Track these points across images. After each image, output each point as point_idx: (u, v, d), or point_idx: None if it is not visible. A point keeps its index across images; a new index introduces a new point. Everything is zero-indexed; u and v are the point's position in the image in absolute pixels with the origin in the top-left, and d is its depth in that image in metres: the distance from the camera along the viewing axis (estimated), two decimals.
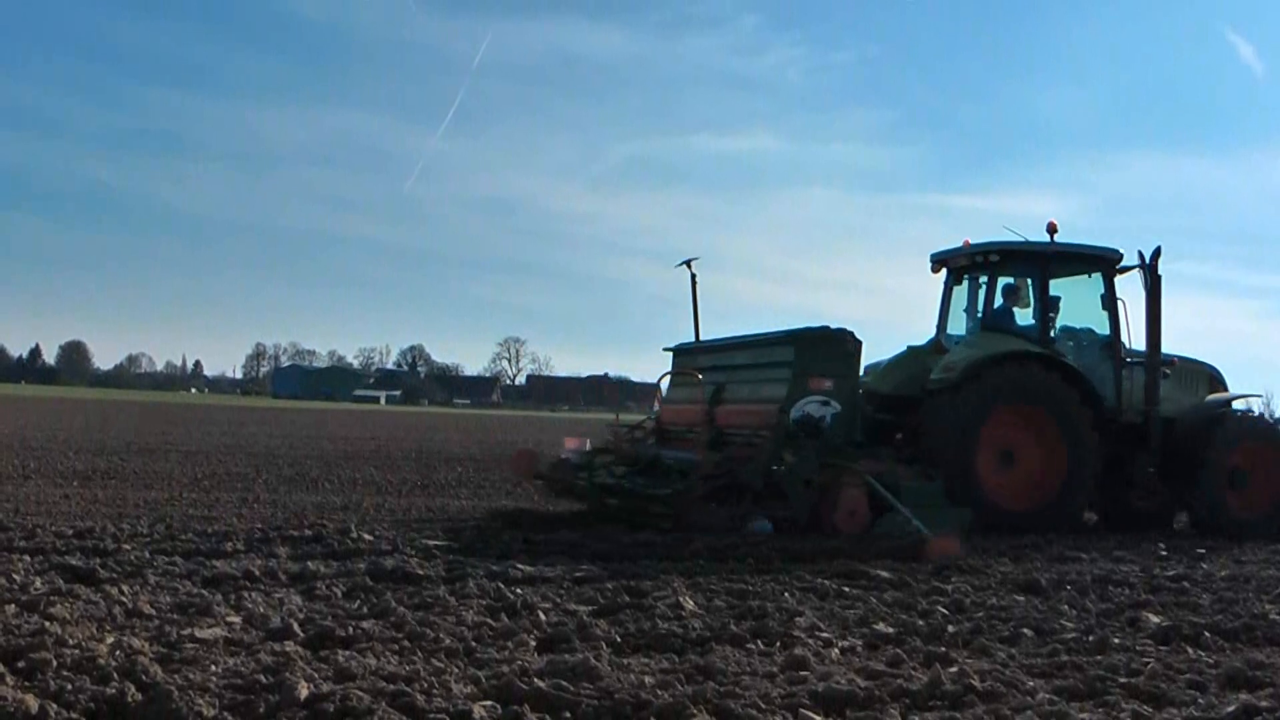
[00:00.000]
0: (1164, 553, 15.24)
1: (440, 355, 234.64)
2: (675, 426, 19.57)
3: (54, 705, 5.95)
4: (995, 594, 11.25)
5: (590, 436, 21.36)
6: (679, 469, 16.67)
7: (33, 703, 5.91)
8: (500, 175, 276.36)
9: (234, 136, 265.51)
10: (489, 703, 6.33)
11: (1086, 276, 19.36)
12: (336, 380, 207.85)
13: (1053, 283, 19.22)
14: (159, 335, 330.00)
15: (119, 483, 21.97)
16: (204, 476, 23.98)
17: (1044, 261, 19.09)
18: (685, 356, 20.57)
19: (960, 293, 20.35)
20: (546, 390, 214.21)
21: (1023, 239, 19.19)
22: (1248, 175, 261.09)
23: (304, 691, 6.25)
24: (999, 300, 19.65)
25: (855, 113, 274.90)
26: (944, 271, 20.34)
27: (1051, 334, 19.07)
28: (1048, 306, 19.07)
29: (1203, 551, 15.53)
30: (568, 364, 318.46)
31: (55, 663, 6.80)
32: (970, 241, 19.54)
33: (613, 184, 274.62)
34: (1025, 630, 9.19)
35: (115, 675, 6.54)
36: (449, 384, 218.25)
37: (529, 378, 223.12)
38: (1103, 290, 19.20)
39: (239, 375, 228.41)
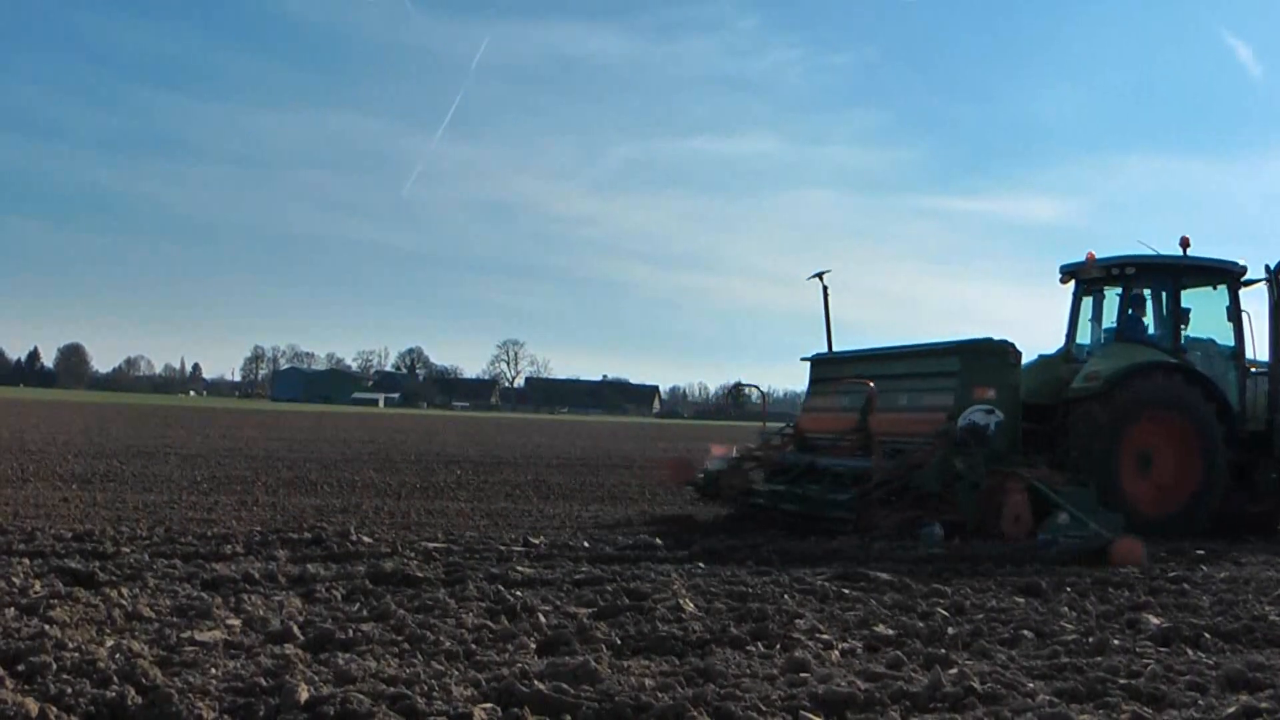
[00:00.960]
0: (1163, 554, 15.24)
1: (439, 358, 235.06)
2: (818, 434, 20.30)
3: (54, 708, 5.95)
4: (995, 596, 11.25)
5: (735, 444, 21.72)
6: (851, 475, 17.21)
7: (33, 706, 5.91)
8: (499, 178, 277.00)
9: (232, 139, 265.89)
10: (489, 705, 6.33)
11: (1211, 289, 19.91)
12: (335, 383, 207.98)
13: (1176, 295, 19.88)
14: (158, 338, 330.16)
15: (118, 486, 21.96)
16: (203, 479, 23.97)
17: (1177, 274, 19.69)
18: (827, 366, 21.38)
19: (1082, 303, 20.90)
20: (545, 393, 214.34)
21: (1155, 252, 19.78)
22: (1245, 177, 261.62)
23: (304, 694, 6.25)
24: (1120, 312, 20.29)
25: (854, 115, 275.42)
26: (1072, 283, 20.86)
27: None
28: (1179, 318, 19.66)
29: (1202, 553, 15.53)
30: (567, 367, 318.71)
31: (55, 666, 6.79)
32: (1095, 255, 20.06)
33: (612, 186, 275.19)
34: (1025, 632, 9.19)
35: (115, 678, 6.54)
36: (448, 387, 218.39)
37: (528, 380, 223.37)
38: (1227, 302, 19.70)
39: (237, 378, 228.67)
